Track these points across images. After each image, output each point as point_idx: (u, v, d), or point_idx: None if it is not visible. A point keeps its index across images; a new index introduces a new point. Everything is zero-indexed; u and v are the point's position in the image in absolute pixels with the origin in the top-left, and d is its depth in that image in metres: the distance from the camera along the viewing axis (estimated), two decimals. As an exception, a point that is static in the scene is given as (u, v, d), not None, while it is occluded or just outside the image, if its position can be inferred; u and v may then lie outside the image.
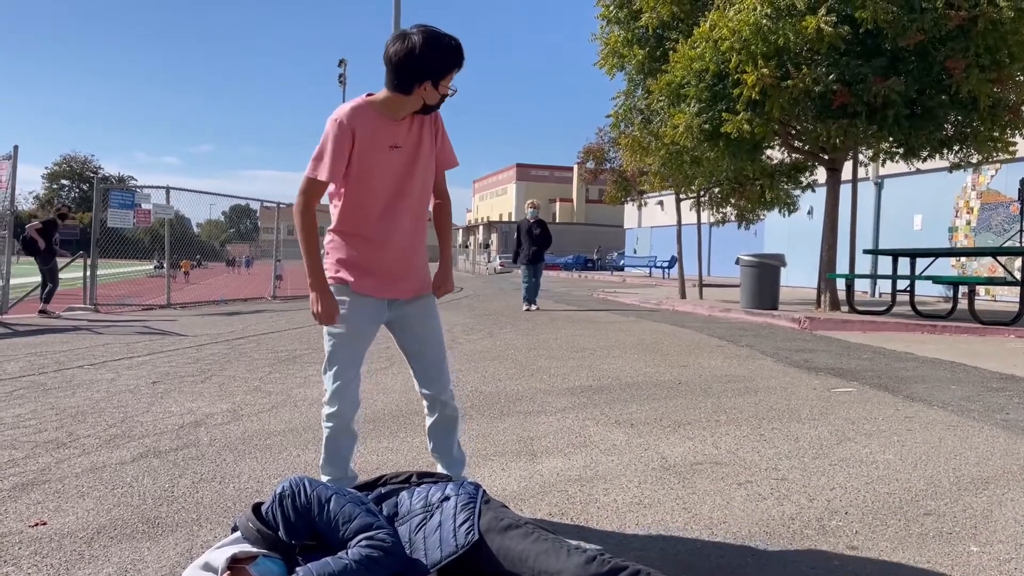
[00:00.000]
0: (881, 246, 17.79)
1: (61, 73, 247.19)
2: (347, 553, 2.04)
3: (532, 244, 13.52)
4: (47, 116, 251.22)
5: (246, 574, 2.00)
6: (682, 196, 16.30)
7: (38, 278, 12.15)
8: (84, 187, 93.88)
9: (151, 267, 26.21)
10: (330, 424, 2.81)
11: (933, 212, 16.90)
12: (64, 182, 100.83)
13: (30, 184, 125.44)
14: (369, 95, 2.71)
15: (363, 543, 2.05)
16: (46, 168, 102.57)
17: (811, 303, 13.32)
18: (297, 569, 2.01)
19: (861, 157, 13.52)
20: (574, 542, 2.16)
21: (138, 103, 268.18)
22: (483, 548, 2.15)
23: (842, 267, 13.04)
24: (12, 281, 11.76)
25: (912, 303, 11.54)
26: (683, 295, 16.21)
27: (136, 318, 11.31)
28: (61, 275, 14.38)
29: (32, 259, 12.08)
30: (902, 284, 11.90)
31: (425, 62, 2.58)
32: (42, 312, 11.37)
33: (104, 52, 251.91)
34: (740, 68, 9.76)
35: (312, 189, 2.68)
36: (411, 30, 2.62)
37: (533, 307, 13.35)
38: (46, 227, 12.02)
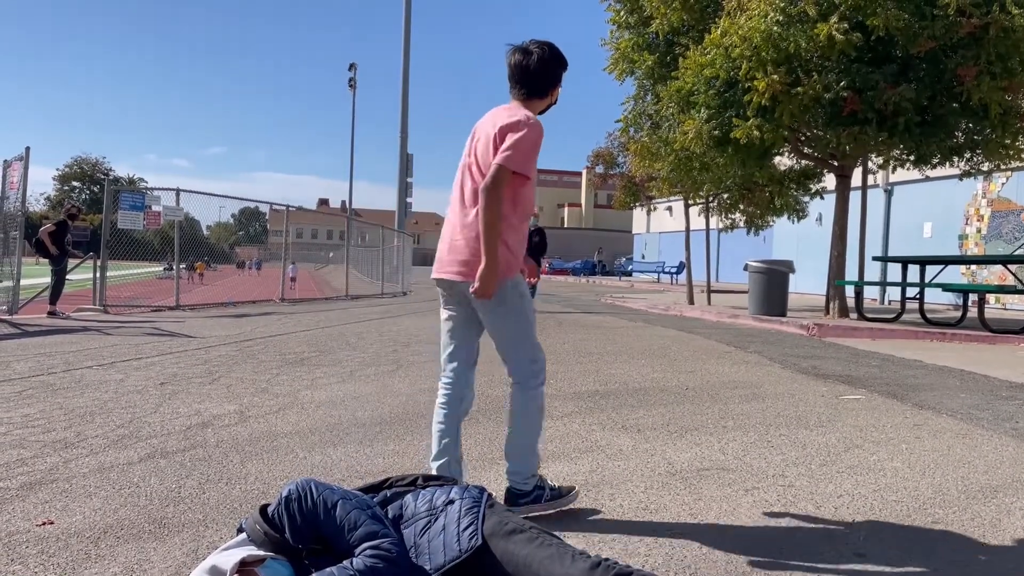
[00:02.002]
0: (891, 253, 17.73)
1: (73, 75, 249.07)
2: (352, 562, 2.04)
3: (530, 252, 13.65)
4: (59, 118, 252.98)
5: (255, 577, 1.99)
6: (691, 202, 16.29)
7: (48, 279, 12.21)
8: (95, 189, 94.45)
9: (160, 269, 26.33)
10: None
11: (943, 219, 16.83)
12: (75, 184, 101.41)
13: (41, 186, 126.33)
14: (511, 105, 3.05)
15: (368, 552, 2.05)
16: (57, 170, 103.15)
17: (820, 310, 13.28)
18: None
19: (871, 164, 13.49)
20: (579, 547, 2.16)
21: (149, 105, 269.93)
22: (487, 552, 2.15)
23: (851, 274, 13.00)
24: (23, 282, 11.83)
25: (922, 311, 11.48)
26: (691, 301, 16.18)
27: (145, 319, 11.36)
28: (71, 276, 14.46)
29: (47, 260, 12.14)
30: (912, 292, 11.84)
31: (558, 68, 3.06)
32: (50, 313, 11.43)
33: (115, 55, 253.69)
34: (750, 75, 9.75)
35: (507, 181, 2.84)
36: (531, 44, 3.05)
37: None
38: (59, 228, 12.08)
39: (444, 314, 3.21)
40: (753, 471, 3.64)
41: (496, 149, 2.87)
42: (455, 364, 3.18)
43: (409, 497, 2.39)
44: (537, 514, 2.93)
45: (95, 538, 2.65)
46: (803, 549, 2.67)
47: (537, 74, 3.02)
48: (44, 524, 2.77)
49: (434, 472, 2.95)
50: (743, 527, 2.88)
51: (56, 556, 2.49)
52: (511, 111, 2.97)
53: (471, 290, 2.88)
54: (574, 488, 3.12)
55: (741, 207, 15.39)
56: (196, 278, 29.40)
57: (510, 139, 2.85)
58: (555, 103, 3.16)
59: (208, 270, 31.52)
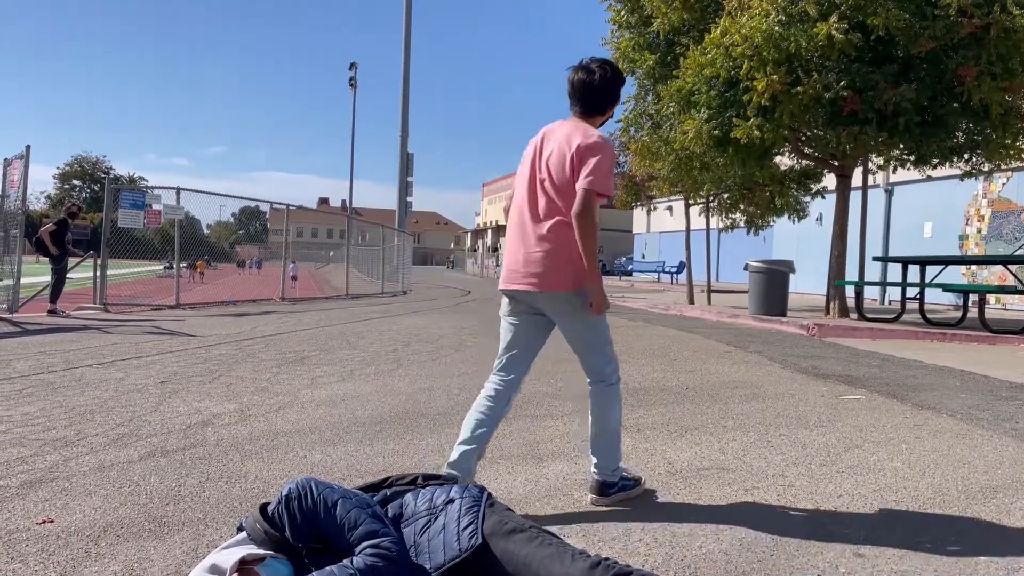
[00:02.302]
0: (891, 253, 17.73)
1: (73, 74, 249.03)
2: (352, 561, 2.04)
3: None
4: (59, 117, 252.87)
5: (255, 575, 2.00)
6: (691, 202, 16.29)
7: (48, 277, 12.20)
8: (95, 188, 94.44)
9: (160, 268, 26.31)
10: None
11: (943, 220, 16.83)
12: (75, 182, 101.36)
13: (42, 184, 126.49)
14: (575, 121, 3.18)
15: (368, 551, 2.05)
16: (58, 168, 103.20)
17: (820, 310, 13.28)
18: None
19: (871, 164, 13.48)
20: (578, 547, 2.16)
21: (149, 104, 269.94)
22: (487, 552, 2.15)
23: (851, 274, 12.99)
24: (23, 280, 11.82)
25: (922, 311, 11.48)
26: (691, 300, 16.18)
27: (145, 318, 11.36)
28: (71, 275, 14.46)
29: (47, 259, 12.12)
30: (912, 292, 11.84)
31: (618, 86, 3.22)
32: (51, 312, 11.43)
33: (115, 54, 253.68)
34: (751, 74, 9.75)
35: (595, 204, 2.97)
36: (592, 63, 3.16)
37: None
38: (59, 227, 12.07)
39: (509, 321, 3.32)
40: (753, 471, 3.64)
41: (574, 170, 2.98)
42: (513, 367, 3.32)
43: (409, 496, 2.39)
44: (539, 514, 2.93)
45: (95, 536, 2.66)
46: (803, 549, 2.67)
47: (600, 92, 3.16)
48: (44, 522, 2.77)
49: (455, 457, 3.06)
50: (743, 527, 2.88)
51: (56, 554, 2.50)
52: (584, 131, 3.06)
53: (590, 309, 3.07)
54: (641, 476, 3.38)
55: (741, 207, 15.39)
56: (197, 277, 29.39)
57: (591, 162, 2.95)
58: (611, 118, 3.31)
59: (208, 269, 31.50)
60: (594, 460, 3.18)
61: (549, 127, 3.21)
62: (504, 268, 3.23)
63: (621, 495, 3.17)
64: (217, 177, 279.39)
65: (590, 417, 3.20)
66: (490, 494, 2.36)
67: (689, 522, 2.92)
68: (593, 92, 3.14)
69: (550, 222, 3.04)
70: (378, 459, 3.74)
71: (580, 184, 2.94)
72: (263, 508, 2.20)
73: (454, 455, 3.06)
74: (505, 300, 3.28)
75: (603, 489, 3.17)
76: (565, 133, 3.09)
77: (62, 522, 2.78)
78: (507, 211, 3.34)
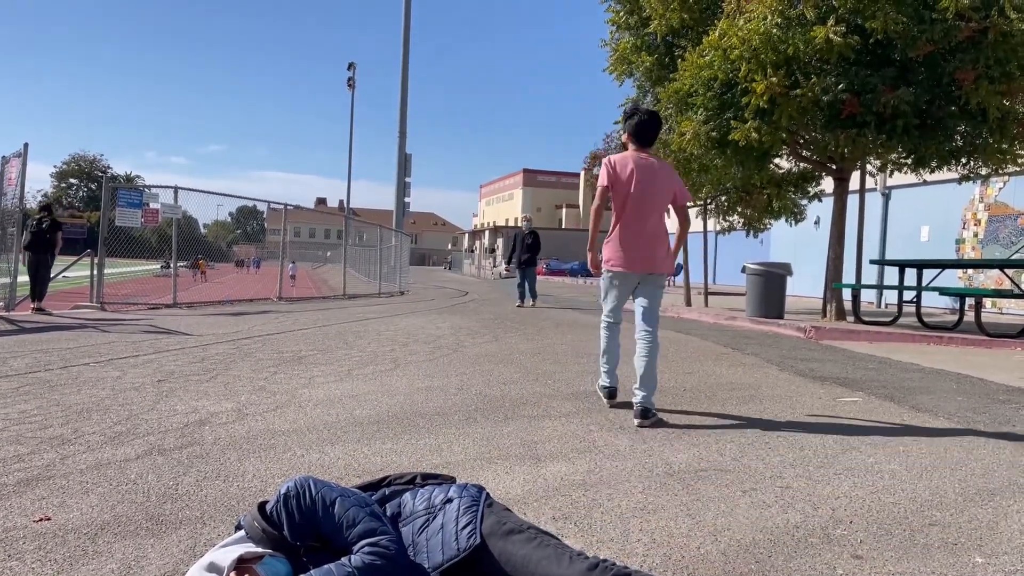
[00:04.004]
0: (888, 257, 17.75)
1: (71, 71, 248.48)
2: (350, 559, 2.03)
3: (525, 251, 16.07)
4: (57, 115, 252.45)
5: (253, 574, 1.99)
6: (689, 204, 16.29)
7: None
8: (92, 186, 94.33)
9: (157, 267, 26.25)
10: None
11: (940, 223, 16.87)
12: (73, 181, 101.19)
13: (39, 183, 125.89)
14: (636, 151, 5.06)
15: (366, 549, 2.05)
16: (55, 167, 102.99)
17: (817, 313, 13.30)
18: None
19: (869, 168, 13.50)
20: (576, 548, 2.16)
21: (147, 103, 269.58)
22: (485, 552, 2.15)
23: (848, 277, 13.01)
24: (20, 279, 11.80)
25: (918, 314, 11.51)
26: (688, 303, 16.19)
27: (142, 317, 11.34)
28: (68, 273, 14.44)
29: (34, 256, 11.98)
30: (908, 295, 11.87)
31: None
32: (38, 310, 11.39)
33: (114, 51, 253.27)
34: (749, 77, 9.76)
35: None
36: (639, 108, 5.12)
37: (528, 303, 15.99)
38: (55, 225, 12.02)
39: (619, 298, 5.03)
40: (751, 472, 3.64)
41: (677, 197, 4.99)
42: (619, 323, 5.13)
43: (407, 495, 2.39)
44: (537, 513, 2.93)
45: (92, 534, 2.65)
46: (801, 550, 2.67)
47: (653, 129, 5.05)
48: (41, 520, 2.77)
49: (604, 381, 5.12)
50: (740, 528, 2.88)
51: (53, 552, 2.49)
52: (667, 165, 5.09)
53: (669, 274, 5.21)
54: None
55: (739, 209, 15.41)
56: (200, 276, 29.22)
57: (681, 190, 5.00)
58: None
59: (207, 268, 31.38)
60: (642, 392, 4.59)
61: (654, 163, 4.98)
62: (638, 256, 4.96)
63: (655, 420, 4.58)
64: (215, 176, 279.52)
65: (642, 359, 4.68)
66: (488, 494, 2.36)
67: (687, 523, 2.92)
68: (643, 129, 5.04)
69: (663, 226, 5.05)
70: (376, 458, 3.74)
71: (683, 204, 5.11)
72: (261, 506, 2.20)
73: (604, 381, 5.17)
74: (632, 276, 4.98)
75: (647, 413, 4.55)
76: (666, 171, 5.04)
77: (59, 520, 2.78)
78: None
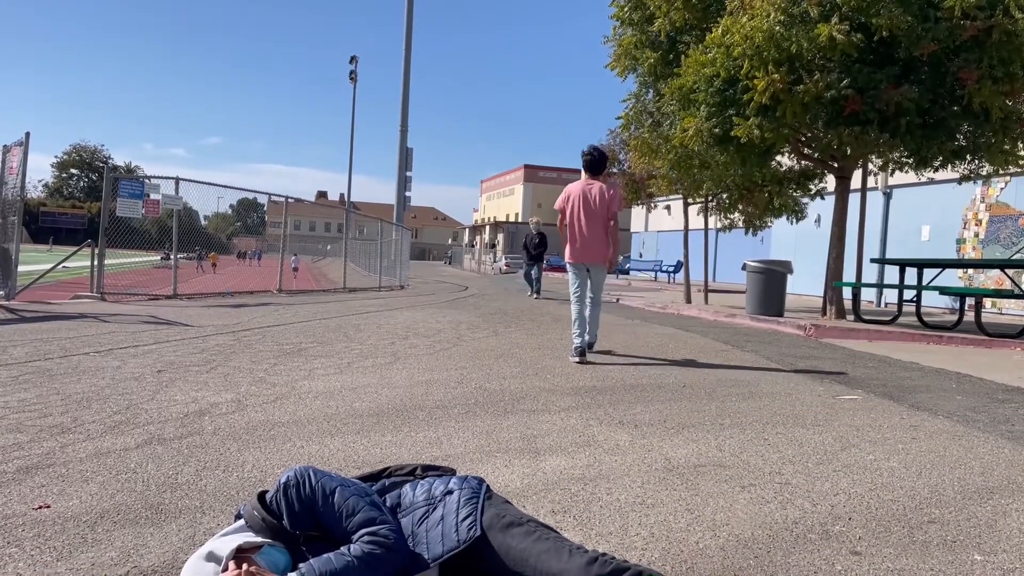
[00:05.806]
0: (888, 256, 17.75)
1: (72, 62, 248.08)
2: (349, 549, 2.04)
3: (534, 249, 18.50)
4: (58, 105, 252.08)
5: (252, 563, 1.99)
6: (690, 201, 16.28)
7: (46, 265, 12.13)
8: (93, 176, 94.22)
9: (157, 258, 26.22)
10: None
11: (941, 223, 16.85)
12: (73, 171, 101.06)
13: (40, 172, 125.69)
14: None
15: (365, 538, 2.05)
16: (56, 157, 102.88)
17: (817, 311, 13.29)
18: (300, 566, 2.01)
19: (871, 167, 13.48)
20: (576, 542, 2.16)
21: (148, 94, 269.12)
22: (485, 544, 2.15)
23: (849, 276, 13.00)
24: (20, 268, 11.79)
25: (918, 314, 11.50)
26: (688, 300, 16.19)
27: (142, 308, 11.34)
28: (68, 263, 14.43)
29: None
30: (908, 294, 11.86)
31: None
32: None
33: (115, 42, 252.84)
34: (751, 74, 9.74)
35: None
36: (589, 149, 7.40)
37: (532, 296, 17.76)
38: None
39: (579, 279, 7.36)
40: (750, 468, 3.64)
41: (606, 205, 7.26)
42: (582, 296, 7.35)
43: (407, 487, 2.39)
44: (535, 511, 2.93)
45: (92, 522, 2.65)
46: (799, 546, 2.67)
47: (603, 163, 7.45)
48: (40, 508, 2.77)
49: (575, 341, 7.00)
50: (739, 523, 2.88)
51: (52, 540, 2.49)
52: (602, 185, 7.33)
53: (608, 266, 7.34)
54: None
55: (740, 207, 15.38)
56: (208, 268, 29.07)
57: (613, 206, 7.26)
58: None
59: (205, 261, 31.25)
60: (589, 335, 7.22)
61: (592, 185, 7.46)
62: (579, 249, 7.37)
63: (585, 360, 6.85)
64: (214, 168, 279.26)
65: (589, 319, 7.28)
66: (488, 486, 2.36)
67: (686, 518, 2.93)
68: (597, 161, 7.43)
69: (605, 229, 7.35)
70: (375, 450, 3.74)
71: (613, 210, 7.37)
72: (261, 496, 2.20)
73: (574, 342, 7.05)
74: (584, 266, 7.38)
75: (591, 346, 7.27)
76: (599, 188, 7.40)
77: (59, 508, 2.78)
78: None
